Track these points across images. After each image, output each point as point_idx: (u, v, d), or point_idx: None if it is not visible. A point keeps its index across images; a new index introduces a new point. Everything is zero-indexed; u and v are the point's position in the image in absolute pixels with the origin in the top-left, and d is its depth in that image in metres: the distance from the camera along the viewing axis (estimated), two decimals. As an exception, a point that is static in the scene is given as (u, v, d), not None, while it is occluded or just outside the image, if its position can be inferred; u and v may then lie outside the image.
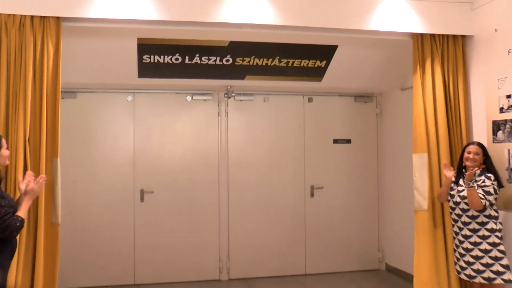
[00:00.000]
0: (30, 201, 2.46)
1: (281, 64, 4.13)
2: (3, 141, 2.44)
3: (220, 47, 3.85)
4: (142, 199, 4.49)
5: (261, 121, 4.76)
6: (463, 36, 3.80)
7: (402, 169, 4.53)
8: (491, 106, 3.51)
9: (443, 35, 3.74)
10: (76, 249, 4.33)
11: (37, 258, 3.05)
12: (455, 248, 3.31)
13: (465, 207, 3.17)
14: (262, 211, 4.73)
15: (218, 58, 3.97)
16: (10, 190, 2.99)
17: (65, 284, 4.15)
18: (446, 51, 3.75)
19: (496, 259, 3.07)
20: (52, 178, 3.15)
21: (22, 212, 2.37)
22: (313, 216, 4.84)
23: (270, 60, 4.07)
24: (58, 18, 3.17)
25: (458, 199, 3.21)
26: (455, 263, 3.33)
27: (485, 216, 3.13)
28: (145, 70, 4.04)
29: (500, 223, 3.16)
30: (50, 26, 3.15)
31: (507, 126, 3.35)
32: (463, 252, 3.21)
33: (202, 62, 3.99)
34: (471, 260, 3.15)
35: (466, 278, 3.20)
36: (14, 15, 3.09)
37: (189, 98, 4.60)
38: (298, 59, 4.11)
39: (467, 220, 3.19)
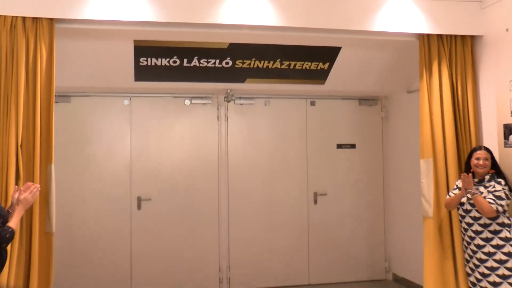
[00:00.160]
0: (23, 211, 2.43)
1: (283, 66, 4.12)
2: None
3: (220, 49, 3.84)
4: (139, 206, 4.47)
5: (262, 125, 4.75)
6: (472, 37, 3.77)
7: (409, 175, 4.49)
8: (502, 109, 3.47)
9: (451, 35, 3.72)
10: (71, 258, 4.30)
11: (32, 269, 3.02)
12: (468, 259, 3.23)
13: (477, 214, 3.11)
14: (263, 218, 4.70)
15: (218, 61, 3.97)
16: (1, 198, 2.96)
17: (59, 295, 4.13)
18: (454, 52, 3.72)
19: (512, 269, 3.01)
20: (46, 185, 3.13)
21: (13, 223, 2.33)
22: (317, 224, 4.81)
23: (271, 62, 4.06)
24: (51, 19, 3.16)
25: (469, 207, 3.15)
26: (469, 275, 3.25)
27: (498, 224, 3.07)
28: (142, 73, 4.03)
29: (514, 231, 3.11)
30: (43, 27, 3.13)
31: (520, 130, 3.32)
32: (477, 263, 3.13)
33: (200, 64, 3.98)
34: (486, 271, 3.07)
35: None
36: (5, 16, 3.07)
37: (187, 102, 4.59)
38: (300, 61, 4.10)
39: (479, 228, 3.12)
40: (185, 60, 3.92)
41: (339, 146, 4.89)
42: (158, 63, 3.91)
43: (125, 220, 4.44)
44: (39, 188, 2.56)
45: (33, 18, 3.12)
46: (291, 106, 4.80)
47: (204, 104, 4.61)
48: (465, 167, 3.31)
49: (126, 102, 4.49)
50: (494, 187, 3.07)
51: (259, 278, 4.66)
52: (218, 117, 4.66)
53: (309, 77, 4.30)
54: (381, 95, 4.97)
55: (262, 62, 4.04)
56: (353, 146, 4.92)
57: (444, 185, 3.57)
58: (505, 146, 3.43)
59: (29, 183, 2.63)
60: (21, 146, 3.05)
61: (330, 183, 4.84)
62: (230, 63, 4.00)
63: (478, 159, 3.17)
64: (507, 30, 3.46)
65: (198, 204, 4.57)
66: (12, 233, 2.29)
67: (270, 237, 4.70)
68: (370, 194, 4.95)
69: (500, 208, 3.00)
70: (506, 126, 3.43)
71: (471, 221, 3.15)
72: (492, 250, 3.06)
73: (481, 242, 3.10)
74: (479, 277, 3.11)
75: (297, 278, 4.74)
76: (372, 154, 4.97)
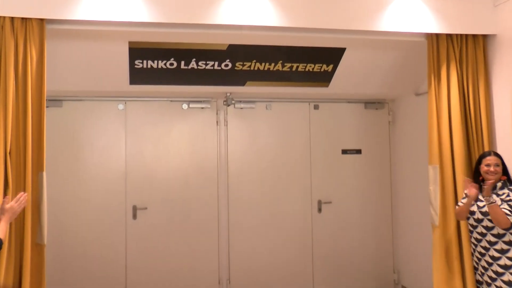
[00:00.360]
0: (9, 221, 2.40)
1: (285, 68, 4.11)
2: None
3: (218, 51, 3.83)
4: (134, 216, 4.45)
5: (263, 130, 4.74)
6: (485, 36, 3.73)
7: (418, 182, 4.46)
8: (517, 112, 3.43)
9: (461, 35, 3.68)
10: (63, 271, 4.28)
11: (23, 282, 2.98)
12: (483, 271, 3.14)
13: (489, 224, 3.05)
14: (265, 228, 4.69)
15: (216, 63, 3.96)
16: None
17: (50, 310, 4.09)
18: (465, 52, 3.69)
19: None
20: (37, 194, 3.10)
21: (0, 233, 2.30)
22: (321, 234, 4.79)
23: (273, 64, 4.06)
24: (41, 20, 3.13)
25: (480, 216, 3.09)
26: None
27: (513, 234, 3.02)
28: (137, 76, 4.02)
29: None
30: (33, 28, 3.10)
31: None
32: (493, 275, 3.05)
33: (199, 67, 3.98)
34: (504, 286, 2.99)
35: None
36: (-8, 16, 3.06)
37: (185, 106, 4.59)
38: (303, 63, 4.10)
39: (493, 239, 3.05)
40: (183, 62, 3.91)
41: (344, 151, 4.88)
42: (154, 65, 3.90)
43: (119, 231, 4.42)
44: (27, 197, 2.52)
45: (22, 18, 3.09)
46: (294, 110, 4.80)
47: (202, 108, 4.61)
48: (474, 174, 3.26)
49: (120, 106, 4.48)
50: (508, 195, 3.01)
51: (260, 291, 4.63)
52: (217, 122, 4.65)
53: (312, 79, 4.29)
54: (388, 98, 4.96)
55: (263, 64, 4.04)
56: (358, 151, 4.91)
57: (451, 193, 3.54)
58: (520, 151, 3.38)
59: (23, 193, 2.61)
60: (9, 153, 3.01)
61: (335, 190, 4.83)
62: (230, 65, 3.99)
63: (488, 165, 3.12)
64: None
65: (197, 213, 4.56)
66: (0, 243, 2.26)
67: (272, 247, 4.68)
68: (377, 202, 4.93)
69: None
70: (521, 130, 3.39)
71: (484, 231, 3.09)
72: (509, 262, 2.98)
73: (496, 254, 3.03)
74: (496, 291, 3.05)
75: (300, 291, 4.71)
76: (379, 160, 4.96)
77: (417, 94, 4.52)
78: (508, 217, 2.91)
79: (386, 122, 5.00)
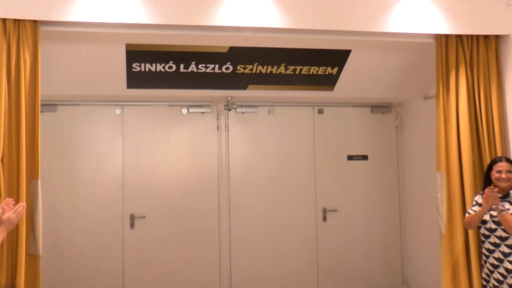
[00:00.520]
0: (5, 232, 2.39)
1: (288, 71, 4.11)
2: None
3: (219, 54, 3.83)
4: (132, 225, 4.43)
5: (266, 136, 4.74)
6: (497, 36, 3.70)
7: (427, 189, 4.44)
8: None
9: (472, 35, 3.66)
10: (58, 283, 4.26)
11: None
12: (496, 284, 3.08)
13: (503, 234, 3.00)
14: (268, 238, 4.67)
15: (217, 66, 3.96)
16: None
17: (44, 324, 4.08)
18: (475, 54, 3.66)
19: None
20: (32, 203, 3.08)
21: None
22: (327, 243, 4.77)
23: (275, 67, 4.05)
24: (35, 21, 3.12)
25: (493, 225, 3.04)
26: None
27: (529, 244, 2.97)
28: (134, 80, 4.01)
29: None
30: (26, 30, 3.09)
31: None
32: None
33: (198, 70, 3.97)
34: None
35: None
36: (-17, 18, 3.06)
37: (184, 110, 4.58)
38: (307, 66, 4.09)
39: (507, 250, 3.00)
40: (182, 66, 3.91)
41: (350, 157, 4.87)
42: (153, 68, 3.90)
43: (116, 240, 4.41)
44: (25, 207, 2.51)
45: (15, 20, 3.08)
46: (297, 115, 4.79)
47: (202, 113, 4.61)
48: (485, 180, 3.22)
49: (117, 111, 4.48)
50: (522, 203, 2.97)
51: (263, 304, 4.61)
52: (218, 127, 4.65)
53: (317, 83, 4.28)
54: (396, 102, 4.95)
55: (265, 67, 4.03)
56: (365, 157, 4.90)
57: (459, 201, 3.52)
58: (534, 157, 3.35)
59: (9, 199, 2.58)
60: (1, 160, 3.00)
61: (340, 198, 4.82)
62: (231, 68, 3.99)
63: (499, 172, 3.07)
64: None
65: (197, 222, 4.55)
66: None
67: (275, 258, 4.67)
68: (385, 210, 4.91)
69: None
70: (536, 135, 3.36)
71: (497, 241, 3.04)
72: (525, 275, 2.95)
73: (510, 266, 2.98)
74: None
75: (305, 304, 4.69)
76: (386, 166, 4.94)
77: (426, 98, 4.50)
78: None
79: (394, 127, 4.99)
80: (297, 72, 4.12)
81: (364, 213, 4.85)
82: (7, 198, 2.55)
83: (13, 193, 3.01)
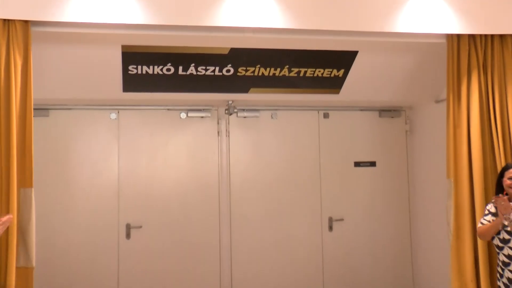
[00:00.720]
0: None
1: (291, 74, 4.11)
2: None
3: (220, 55, 3.83)
4: (128, 235, 4.42)
5: (269, 141, 4.73)
6: (514, 36, 3.70)
7: (439, 197, 4.39)
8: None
9: (486, 35, 3.65)
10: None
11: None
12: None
13: (518, 244, 2.96)
14: (271, 248, 4.65)
15: (217, 68, 3.96)
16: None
17: None
18: (490, 55, 3.65)
19: None
20: (24, 213, 3.08)
21: None
22: (332, 254, 4.75)
23: (278, 69, 4.05)
24: (26, 21, 3.13)
25: (506, 236, 2.99)
26: None
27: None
28: (131, 83, 4.01)
29: None
30: (17, 31, 3.10)
31: None
32: None
33: (198, 73, 3.97)
34: None
35: None
36: (-29, 18, 3.08)
37: (183, 115, 4.58)
38: (312, 68, 4.09)
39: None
40: (181, 68, 3.91)
41: (357, 164, 4.86)
42: (150, 71, 3.90)
43: (111, 251, 4.40)
44: (11, 218, 2.51)
45: (4, 20, 3.09)
46: (302, 119, 4.79)
47: (202, 117, 4.61)
48: (496, 188, 3.18)
49: (113, 115, 4.48)
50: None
51: (266, 319, 4.60)
52: (218, 132, 4.65)
53: (322, 85, 4.28)
54: (405, 105, 4.95)
55: (268, 69, 4.04)
56: (373, 164, 4.89)
57: (467, 209, 3.51)
58: (552, 164, 3.31)
59: (10, 216, 2.60)
60: (-8, 167, 3.01)
61: (347, 207, 4.80)
62: (232, 70, 3.99)
63: (511, 178, 3.04)
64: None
65: (196, 232, 4.53)
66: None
67: (278, 270, 4.64)
68: (394, 219, 4.89)
69: None
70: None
71: (511, 252, 3.00)
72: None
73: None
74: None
75: (311, 319, 4.67)
76: (395, 174, 4.93)
77: (437, 101, 4.49)
78: None
79: (403, 132, 4.97)
80: (301, 74, 4.11)
81: (372, 223, 4.83)
82: (7, 215, 2.57)
83: (2, 202, 3.00)
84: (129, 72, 3.87)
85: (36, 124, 4.18)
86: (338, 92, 4.38)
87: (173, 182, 4.53)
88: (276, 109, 4.74)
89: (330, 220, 4.76)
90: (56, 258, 4.28)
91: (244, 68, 3.99)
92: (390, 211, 4.88)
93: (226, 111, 4.52)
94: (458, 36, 3.64)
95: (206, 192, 4.57)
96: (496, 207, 3.01)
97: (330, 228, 4.75)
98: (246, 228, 4.62)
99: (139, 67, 3.84)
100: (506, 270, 3.04)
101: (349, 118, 4.87)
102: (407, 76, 4.25)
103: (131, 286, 4.38)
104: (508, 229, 2.97)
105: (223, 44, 3.70)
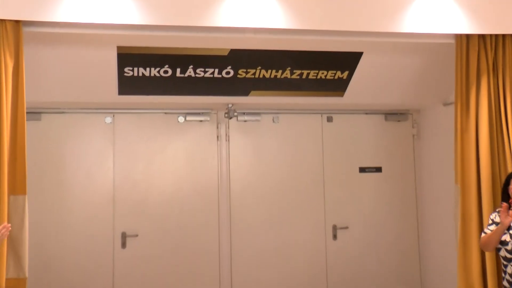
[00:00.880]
0: None
1: (294, 76, 4.11)
2: None
3: (219, 57, 3.83)
4: (123, 244, 4.41)
5: (270, 146, 4.73)
6: (527, 36, 3.70)
7: (448, 205, 4.35)
8: None
9: (496, 35, 3.65)
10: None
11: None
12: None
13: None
14: (272, 258, 4.65)
15: (217, 70, 3.96)
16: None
17: None
18: (501, 55, 3.64)
19: None
20: (17, 221, 3.07)
21: None
22: (337, 264, 4.74)
23: (280, 71, 4.05)
24: (17, 21, 3.12)
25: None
26: None
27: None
28: (127, 86, 4.01)
29: None
30: (7, 31, 3.09)
31: None
32: None
33: (197, 75, 3.97)
34: None
35: None
36: (-40, 18, 3.07)
37: (181, 119, 4.59)
38: (314, 70, 4.09)
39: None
40: (178, 70, 3.91)
41: (362, 169, 4.87)
42: (146, 73, 3.90)
43: (106, 261, 4.39)
44: (9, 228, 2.51)
45: (-5, 20, 3.11)
46: (304, 123, 4.80)
47: (201, 121, 4.61)
48: (502, 195, 3.16)
49: (108, 119, 4.49)
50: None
51: (268, 332, 4.59)
52: (217, 137, 4.65)
53: (325, 88, 4.28)
54: (412, 109, 4.96)
55: (269, 71, 4.04)
56: (379, 169, 4.89)
57: (475, 217, 3.50)
58: None
59: (8, 224, 2.60)
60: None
61: (351, 214, 4.81)
62: (232, 72, 3.99)
63: None
64: None
65: (195, 240, 4.53)
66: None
67: (280, 280, 4.64)
68: (401, 227, 4.88)
69: None
70: None
71: (520, 264, 2.97)
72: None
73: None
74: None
75: (314, 331, 4.66)
76: (402, 179, 4.94)
77: (446, 104, 4.49)
78: None
79: (410, 136, 4.98)
80: (304, 76, 4.11)
81: (378, 230, 4.82)
82: (4, 224, 2.57)
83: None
84: (125, 74, 3.87)
85: (28, 128, 4.16)
86: (342, 95, 4.38)
87: (171, 188, 4.53)
88: (277, 113, 4.75)
89: (334, 228, 4.75)
90: (49, 268, 4.27)
91: (245, 70, 3.99)
92: (397, 219, 4.87)
93: (226, 115, 4.52)
94: (467, 36, 3.63)
95: (206, 199, 4.57)
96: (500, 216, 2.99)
97: (334, 236, 4.75)
98: (247, 236, 4.62)
99: (135, 69, 3.84)
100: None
101: (354, 122, 4.87)
102: (414, 78, 4.24)
103: (126, 298, 4.38)
104: None
105: (223, 45, 3.70)
